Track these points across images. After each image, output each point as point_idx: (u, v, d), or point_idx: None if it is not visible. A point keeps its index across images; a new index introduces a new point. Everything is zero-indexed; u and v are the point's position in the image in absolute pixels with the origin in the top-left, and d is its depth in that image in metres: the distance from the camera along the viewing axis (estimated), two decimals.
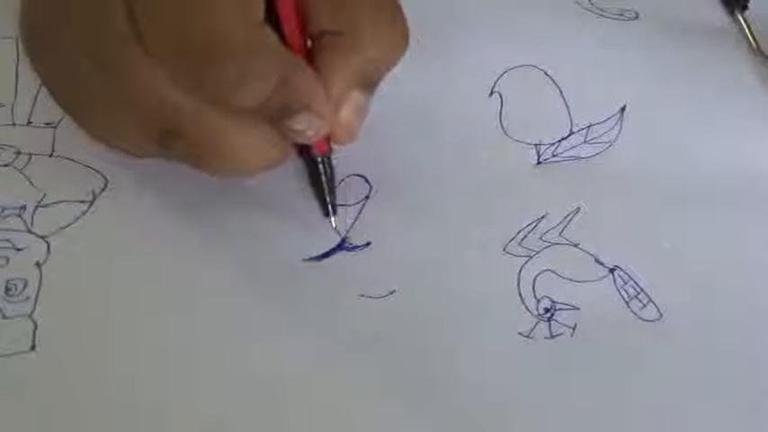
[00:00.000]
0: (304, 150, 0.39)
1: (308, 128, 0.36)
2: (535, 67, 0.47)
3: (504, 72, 0.47)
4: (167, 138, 0.36)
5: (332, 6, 0.37)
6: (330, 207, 0.40)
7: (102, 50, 0.35)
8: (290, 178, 0.42)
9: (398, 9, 0.38)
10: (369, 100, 0.39)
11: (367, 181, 0.42)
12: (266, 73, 0.35)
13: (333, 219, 0.41)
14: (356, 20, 0.37)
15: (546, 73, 0.47)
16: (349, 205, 0.42)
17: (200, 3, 0.33)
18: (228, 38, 0.34)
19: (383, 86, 0.39)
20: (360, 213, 0.42)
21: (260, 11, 0.35)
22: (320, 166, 0.39)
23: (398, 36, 0.38)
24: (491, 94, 0.46)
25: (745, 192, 0.45)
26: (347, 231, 0.41)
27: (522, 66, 0.47)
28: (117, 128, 0.37)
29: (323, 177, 0.40)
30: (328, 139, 0.39)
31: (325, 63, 0.37)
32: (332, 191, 0.40)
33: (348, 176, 0.43)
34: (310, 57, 0.37)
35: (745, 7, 0.51)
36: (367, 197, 0.42)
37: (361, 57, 0.37)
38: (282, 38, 0.36)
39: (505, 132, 0.46)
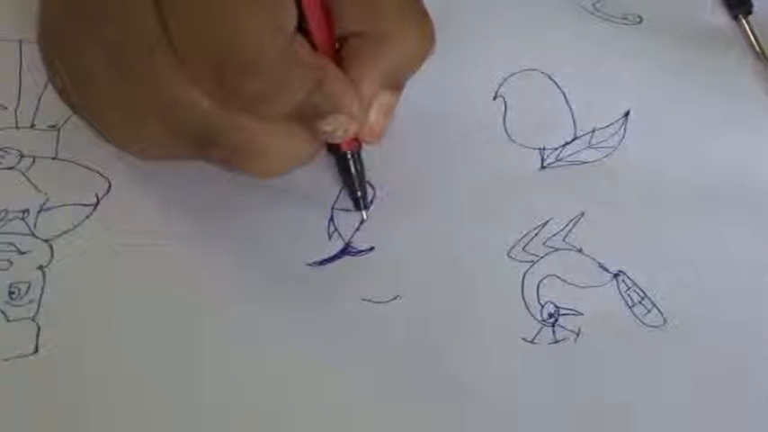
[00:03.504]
0: (333, 146, 0.40)
1: (338, 128, 0.37)
2: (539, 71, 0.47)
3: (508, 76, 0.47)
4: (201, 144, 0.36)
5: (359, 8, 0.37)
6: (361, 200, 0.41)
7: (130, 57, 0.35)
8: (293, 183, 0.41)
9: (423, 8, 0.38)
10: (397, 99, 0.39)
11: (371, 185, 0.42)
12: (298, 85, 0.35)
13: (364, 212, 0.41)
14: (384, 21, 0.37)
15: (550, 77, 0.47)
16: (353, 210, 0.42)
17: (233, 17, 0.33)
18: (261, 53, 0.34)
19: None
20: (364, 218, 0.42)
21: (292, 21, 0.35)
22: (350, 161, 0.40)
23: (425, 35, 0.38)
24: (495, 98, 0.46)
25: (749, 197, 0.45)
26: (351, 236, 0.41)
27: (525, 70, 0.47)
28: (142, 134, 0.37)
29: (353, 172, 0.40)
30: (357, 135, 0.39)
31: (354, 65, 0.37)
32: (362, 185, 0.41)
33: None
34: (338, 58, 0.37)
35: (749, 12, 0.51)
36: (371, 202, 0.42)
37: (389, 58, 0.37)
38: (311, 40, 0.37)
39: (509, 137, 0.45)
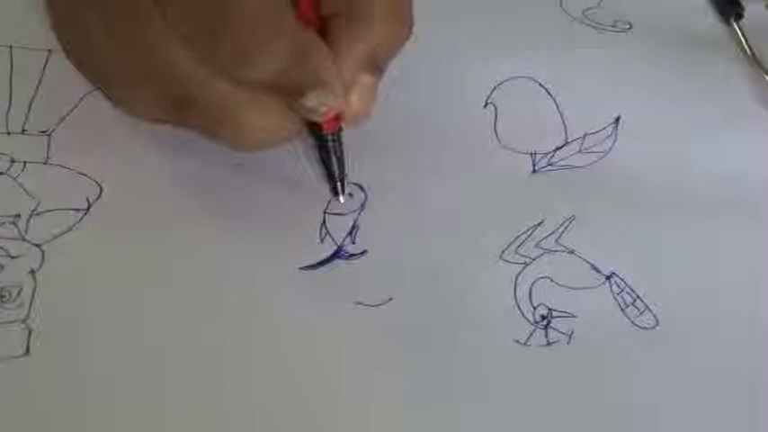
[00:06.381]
0: (314, 128, 0.40)
1: (320, 105, 0.37)
2: (529, 78, 0.47)
3: (499, 84, 0.47)
4: (180, 106, 0.37)
5: None
6: (339, 185, 0.41)
7: (120, 20, 0.36)
8: (286, 185, 0.42)
9: None
10: (377, 82, 0.39)
11: (362, 189, 0.42)
12: (282, 46, 0.35)
13: (341, 197, 0.41)
14: (367, 3, 0.37)
15: (540, 84, 0.47)
16: (344, 214, 0.42)
17: None
18: (248, 7, 0.34)
19: (380, 94, 0.39)
20: (356, 222, 0.42)
21: None
22: (329, 144, 0.40)
23: (404, 17, 0.39)
24: (486, 105, 0.46)
25: (741, 199, 0.45)
26: (343, 240, 0.41)
27: (516, 77, 0.47)
28: (134, 95, 0.38)
29: (332, 155, 0.40)
30: (338, 117, 0.39)
31: (336, 45, 0.37)
32: (341, 168, 0.41)
33: None
34: (321, 38, 0.38)
35: (740, 16, 0.51)
36: (362, 205, 0.42)
37: (370, 40, 0.38)
38: (297, 13, 0.37)
39: (500, 142, 0.45)
